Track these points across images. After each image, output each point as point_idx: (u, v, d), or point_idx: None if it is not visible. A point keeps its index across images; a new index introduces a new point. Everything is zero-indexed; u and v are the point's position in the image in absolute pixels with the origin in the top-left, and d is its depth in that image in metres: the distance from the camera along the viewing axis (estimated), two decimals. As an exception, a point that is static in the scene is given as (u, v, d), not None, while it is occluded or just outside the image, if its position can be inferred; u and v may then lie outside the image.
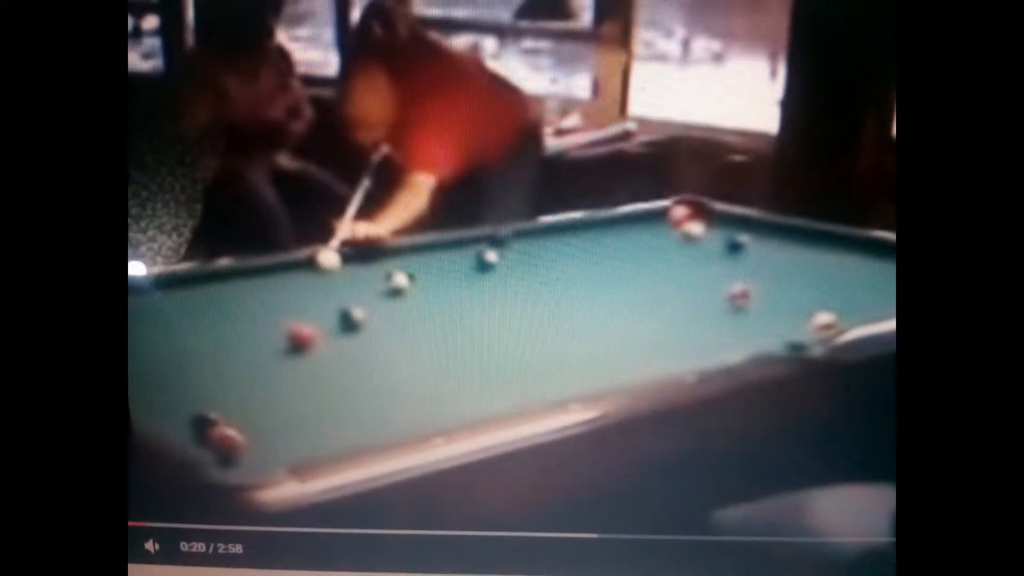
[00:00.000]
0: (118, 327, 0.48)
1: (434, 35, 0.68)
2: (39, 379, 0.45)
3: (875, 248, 0.71)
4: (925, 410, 0.45)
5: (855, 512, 0.69)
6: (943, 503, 0.44)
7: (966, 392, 0.45)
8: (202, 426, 0.66)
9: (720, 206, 0.72)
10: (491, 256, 0.74)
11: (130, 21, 0.66)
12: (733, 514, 0.69)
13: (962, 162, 0.46)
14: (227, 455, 0.66)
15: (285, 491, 0.65)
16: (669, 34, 0.69)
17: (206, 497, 0.66)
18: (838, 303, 0.72)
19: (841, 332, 0.72)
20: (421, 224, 0.71)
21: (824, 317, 0.72)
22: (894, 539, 0.67)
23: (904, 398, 0.45)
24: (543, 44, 0.69)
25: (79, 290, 0.46)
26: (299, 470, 0.65)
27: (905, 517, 0.44)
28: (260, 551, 0.67)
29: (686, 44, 0.69)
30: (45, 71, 0.47)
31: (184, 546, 0.67)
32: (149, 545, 0.67)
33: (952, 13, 0.46)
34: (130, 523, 0.67)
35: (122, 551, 0.47)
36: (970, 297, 0.45)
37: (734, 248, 0.75)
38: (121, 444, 0.46)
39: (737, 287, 0.73)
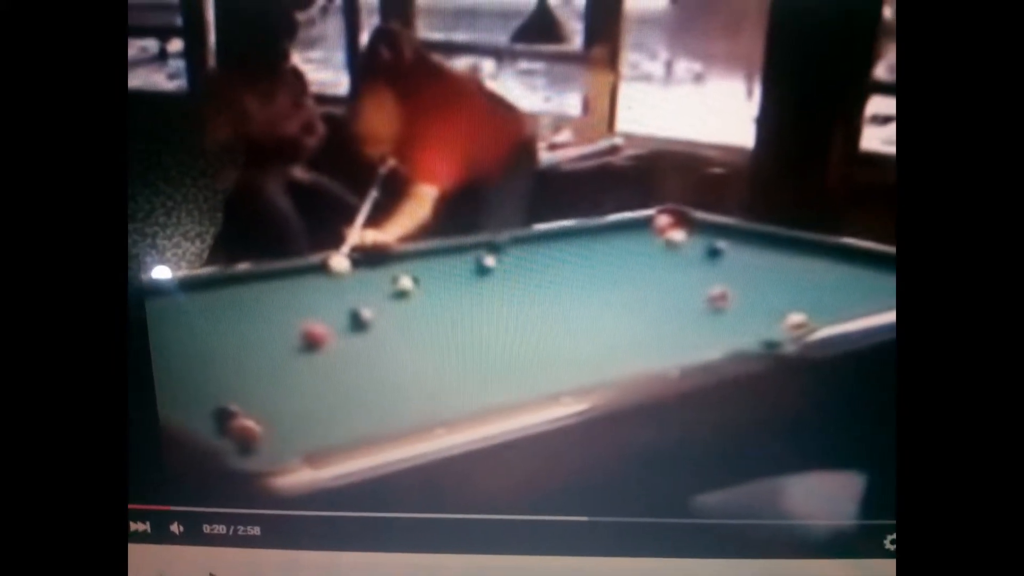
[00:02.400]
0: (118, 323, 0.48)
1: (437, 57, 0.69)
2: (43, 373, 0.45)
3: (843, 253, 0.72)
4: (925, 399, 0.45)
5: (823, 496, 0.70)
6: (942, 488, 0.44)
7: (965, 381, 0.45)
8: (223, 418, 0.68)
9: (700, 215, 0.72)
10: (489, 261, 0.75)
11: (156, 44, 0.67)
12: (712, 499, 0.70)
13: (960, 163, 0.46)
14: (246, 444, 0.67)
15: (300, 477, 0.66)
16: (653, 56, 0.70)
17: (227, 483, 0.67)
18: (809, 304, 0.73)
19: (812, 331, 0.73)
20: (425, 231, 0.72)
21: (796, 317, 0.73)
22: (870, 521, 0.69)
23: (904, 388, 0.46)
24: (537, 66, 0.70)
25: (81, 288, 0.46)
26: (313, 458, 0.67)
27: (905, 502, 0.45)
28: (276, 533, 0.69)
29: (669, 66, 0.69)
30: (45, 75, 0.46)
31: (206, 528, 0.68)
32: (174, 527, 0.68)
33: (951, 20, 0.46)
34: (156, 507, 0.68)
35: (122, 534, 0.48)
36: (967, 289, 0.45)
37: (713, 254, 0.76)
38: (121, 433, 0.46)
39: (716, 289, 0.75)
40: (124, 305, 0.61)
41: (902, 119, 0.48)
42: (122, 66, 0.57)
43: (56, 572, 0.44)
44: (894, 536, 0.68)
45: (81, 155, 0.47)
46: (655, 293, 0.75)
